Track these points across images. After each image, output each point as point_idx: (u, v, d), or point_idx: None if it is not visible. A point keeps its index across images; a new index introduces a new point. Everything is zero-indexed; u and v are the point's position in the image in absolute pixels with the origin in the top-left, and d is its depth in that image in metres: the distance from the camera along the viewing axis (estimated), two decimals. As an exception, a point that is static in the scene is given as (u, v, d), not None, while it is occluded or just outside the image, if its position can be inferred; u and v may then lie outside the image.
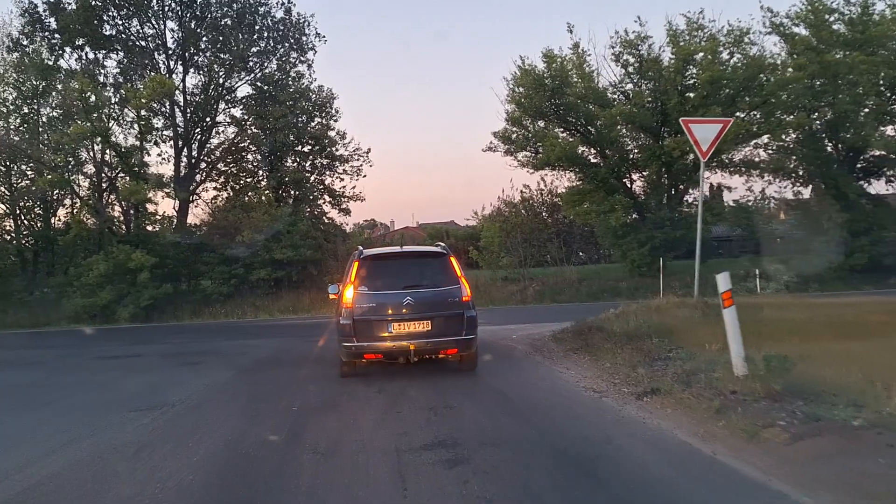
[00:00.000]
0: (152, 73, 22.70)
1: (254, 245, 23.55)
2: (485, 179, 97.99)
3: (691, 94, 23.59)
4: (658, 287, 24.18)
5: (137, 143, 23.80)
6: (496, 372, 8.83)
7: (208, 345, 13.90)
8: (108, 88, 25.52)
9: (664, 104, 23.35)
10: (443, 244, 9.57)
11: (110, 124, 25.03)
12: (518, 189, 29.07)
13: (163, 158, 27.54)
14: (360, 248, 9.17)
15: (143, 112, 22.60)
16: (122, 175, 23.47)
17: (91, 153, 23.43)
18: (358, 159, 28.11)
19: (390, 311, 8.05)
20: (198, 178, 27.92)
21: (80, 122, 20.80)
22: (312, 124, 27.12)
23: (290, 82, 26.73)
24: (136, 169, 22.48)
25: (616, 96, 24.70)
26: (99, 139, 21.69)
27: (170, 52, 26.83)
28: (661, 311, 10.44)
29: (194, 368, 10.34)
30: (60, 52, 25.88)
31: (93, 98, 21.18)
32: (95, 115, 21.68)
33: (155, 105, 27.29)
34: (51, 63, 25.26)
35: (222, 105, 27.70)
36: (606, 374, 7.95)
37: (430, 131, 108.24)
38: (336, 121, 27.58)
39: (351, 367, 8.56)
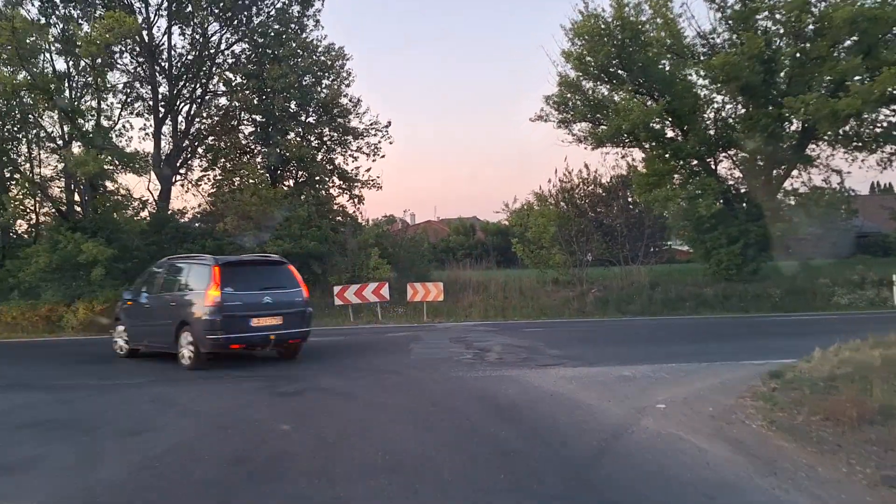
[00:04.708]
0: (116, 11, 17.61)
1: (241, 235, 18.77)
2: (511, 173, 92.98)
3: (807, 45, 18.03)
4: (750, 294, 18.87)
5: (95, 103, 18.93)
6: None
7: (108, 396, 8.46)
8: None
9: (773, 56, 17.83)
10: (278, 256, 12.18)
11: (86, 95, 20.60)
12: (558, 178, 23.62)
13: (146, 133, 23.13)
14: (212, 255, 10.96)
15: (97, 60, 17.64)
16: (76, 143, 18.64)
17: (35, 115, 18.58)
18: (375, 134, 23.18)
19: (252, 308, 9.70)
20: (183, 155, 23.25)
21: (7, 71, 15.93)
22: (320, 88, 22.12)
23: (293, 35, 21.68)
24: (90, 135, 17.62)
25: (705, 51, 19.19)
26: (40, 94, 16.79)
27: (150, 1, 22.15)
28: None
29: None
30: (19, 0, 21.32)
31: (29, 37, 16.31)
32: (34, 62, 16.86)
33: (129, 67, 22.80)
34: (7, 11, 20.64)
35: (213, 69, 22.96)
36: None
37: (455, 123, 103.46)
38: (348, 85, 22.61)
39: (205, 361, 9.74)
